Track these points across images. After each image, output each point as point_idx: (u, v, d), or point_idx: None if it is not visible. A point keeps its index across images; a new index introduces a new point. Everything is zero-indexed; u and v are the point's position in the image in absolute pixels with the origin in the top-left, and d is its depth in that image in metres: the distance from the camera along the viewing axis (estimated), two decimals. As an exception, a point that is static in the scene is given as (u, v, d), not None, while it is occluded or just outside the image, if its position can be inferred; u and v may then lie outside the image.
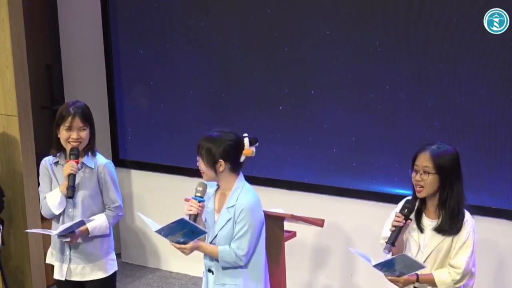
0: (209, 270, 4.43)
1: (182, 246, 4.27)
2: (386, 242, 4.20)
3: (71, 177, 4.64)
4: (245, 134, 4.39)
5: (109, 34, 6.60)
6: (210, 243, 4.39)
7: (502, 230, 5.37)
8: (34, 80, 6.36)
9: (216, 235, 4.36)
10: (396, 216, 4.21)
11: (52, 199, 4.72)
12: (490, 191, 5.37)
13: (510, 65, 5.19)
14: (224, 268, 4.37)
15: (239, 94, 6.15)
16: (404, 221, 4.19)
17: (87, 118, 4.69)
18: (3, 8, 5.78)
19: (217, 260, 4.36)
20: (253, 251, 4.35)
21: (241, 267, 4.36)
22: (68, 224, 4.65)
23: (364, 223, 5.83)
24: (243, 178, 4.40)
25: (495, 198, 5.37)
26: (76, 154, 4.67)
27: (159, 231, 4.23)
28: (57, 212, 4.73)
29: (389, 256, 4.17)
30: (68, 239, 4.67)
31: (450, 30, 5.32)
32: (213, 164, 4.29)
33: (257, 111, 6.09)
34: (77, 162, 4.66)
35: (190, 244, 4.27)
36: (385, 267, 4.11)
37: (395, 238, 4.18)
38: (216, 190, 4.44)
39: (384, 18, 5.51)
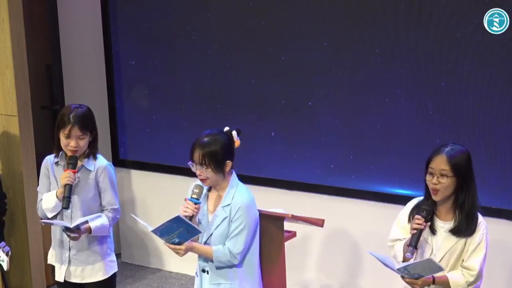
0: (203, 271, 4.43)
1: (177, 247, 4.27)
2: (407, 245, 4.16)
3: (67, 187, 4.62)
4: (227, 128, 4.40)
5: (109, 34, 6.59)
6: (205, 243, 4.39)
7: (502, 230, 5.37)
8: (34, 80, 6.35)
9: (211, 234, 4.37)
10: (416, 218, 4.17)
11: (47, 201, 4.70)
12: (490, 191, 5.36)
13: (510, 65, 5.19)
14: (218, 268, 4.37)
15: (239, 94, 6.15)
16: (424, 223, 4.17)
17: (86, 127, 4.63)
18: (3, 8, 5.78)
19: (211, 261, 4.36)
20: (247, 250, 4.36)
21: (236, 266, 4.37)
22: (85, 218, 4.62)
23: (364, 223, 5.83)
24: (236, 177, 4.41)
25: (495, 198, 5.36)
26: (74, 163, 4.64)
27: (155, 231, 4.23)
28: (49, 215, 4.70)
29: (412, 260, 4.15)
30: (76, 235, 4.64)
31: (450, 30, 5.31)
32: (222, 167, 4.29)
33: (258, 111, 6.08)
34: (75, 172, 4.64)
35: (185, 245, 4.27)
36: (407, 270, 4.11)
37: (417, 241, 4.15)
38: (209, 190, 4.44)
39: (383, 19, 5.51)
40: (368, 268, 5.87)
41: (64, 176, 4.62)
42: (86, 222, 4.65)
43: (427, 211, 4.18)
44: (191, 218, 4.30)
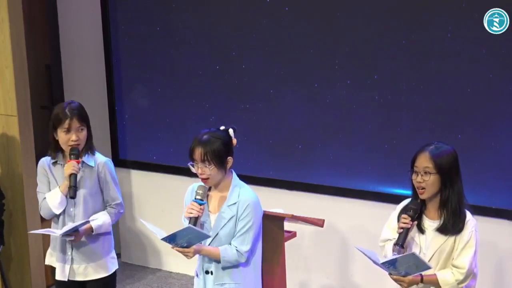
0: (207, 272, 4.42)
1: (186, 249, 4.26)
2: (394, 244, 4.18)
3: (73, 177, 4.64)
4: (223, 127, 4.39)
5: (109, 34, 6.59)
6: (210, 244, 4.38)
7: (502, 230, 5.37)
8: (34, 80, 6.35)
9: (217, 234, 4.35)
10: (402, 217, 4.19)
11: (52, 199, 4.71)
12: (490, 191, 5.36)
13: (510, 65, 5.19)
14: (224, 268, 4.37)
15: (239, 95, 6.15)
16: (411, 222, 4.18)
17: (84, 118, 4.68)
18: (3, 8, 5.78)
19: (216, 261, 4.35)
20: (254, 248, 4.36)
21: (241, 265, 4.36)
22: (73, 224, 4.65)
23: (364, 223, 5.83)
24: (237, 176, 4.41)
25: (495, 198, 5.36)
26: (77, 154, 4.67)
27: (165, 239, 4.21)
28: (57, 212, 4.73)
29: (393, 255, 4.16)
30: (72, 238, 4.67)
31: (450, 30, 5.31)
32: (223, 164, 4.28)
33: (258, 111, 6.08)
34: (78, 162, 4.66)
35: (193, 248, 4.27)
36: (392, 265, 4.10)
37: (404, 240, 4.17)
38: (208, 191, 4.42)
39: (383, 19, 5.51)
40: (368, 268, 5.86)
41: (68, 166, 4.65)
42: (87, 222, 4.67)
43: (414, 210, 4.20)
44: (196, 219, 4.29)
